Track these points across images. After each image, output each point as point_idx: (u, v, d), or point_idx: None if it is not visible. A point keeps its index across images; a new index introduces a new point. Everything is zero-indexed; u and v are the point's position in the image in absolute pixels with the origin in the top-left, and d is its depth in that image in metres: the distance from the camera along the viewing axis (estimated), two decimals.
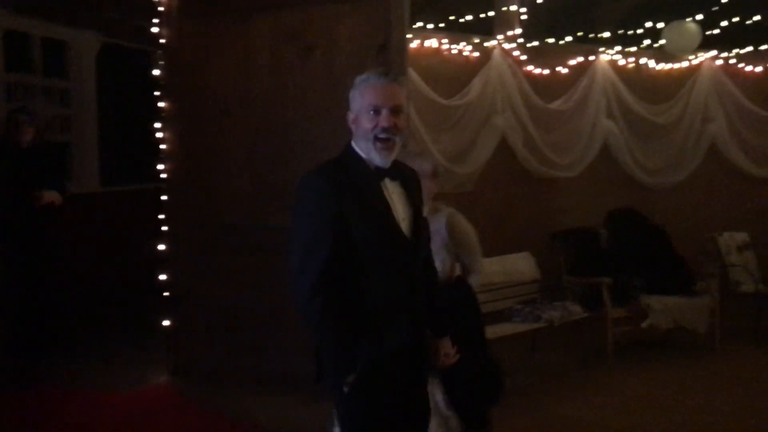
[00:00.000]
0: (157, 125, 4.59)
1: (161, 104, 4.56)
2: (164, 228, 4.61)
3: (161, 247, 4.63)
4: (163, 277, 4.64)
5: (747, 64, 7.04)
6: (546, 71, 6.66)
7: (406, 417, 2.34)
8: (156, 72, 4.60)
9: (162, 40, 4.49)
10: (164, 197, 4.60)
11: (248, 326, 4.44)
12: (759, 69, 7.05)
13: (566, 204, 6.57)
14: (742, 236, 6.59)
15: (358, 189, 2.27)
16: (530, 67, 6.56)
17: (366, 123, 2.28)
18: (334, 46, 4.08)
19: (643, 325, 5.50)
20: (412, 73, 4.98)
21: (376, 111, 2.26)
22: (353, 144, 2.37)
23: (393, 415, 2.29)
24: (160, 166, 4.59)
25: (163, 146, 4.58)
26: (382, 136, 2.26)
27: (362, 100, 2.31)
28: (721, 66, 6.99)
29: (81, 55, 7.47)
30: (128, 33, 7.40)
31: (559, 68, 6.70)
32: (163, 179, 4.60)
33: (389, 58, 3.92)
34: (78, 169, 7.46)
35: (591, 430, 4.05)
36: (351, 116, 2.36)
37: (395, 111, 2.27)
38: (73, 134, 7.51)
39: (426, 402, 2.48)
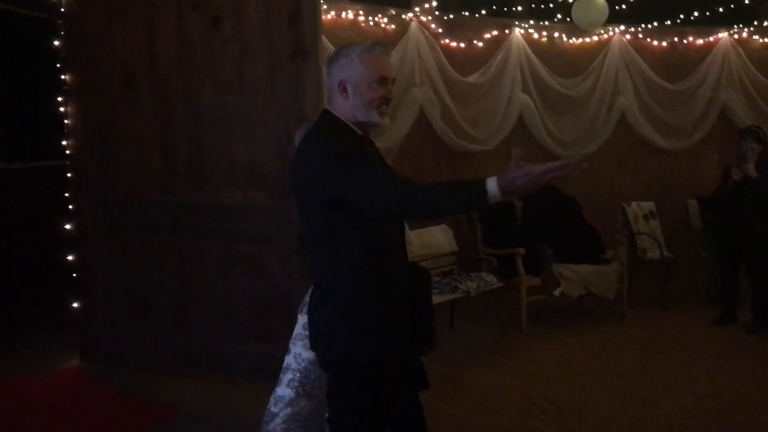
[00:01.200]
0: (60, 99, 4.37)
1: (63, 77, 4.33)
2: (70, 206, 4.41)
3: (68, 226, 4.43)
4: (71, 257, 4.45)
5: (653, 38, 7.28)
6: (462, 44, 6.72)
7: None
8: (56, 42, 4.36)
9: (62, 9, 4.25)
10: (69, 174, 4.40)
11: (166, 306, 4.32)
12: (664, 43, 7.31)
13: (484, 176, 6.64)
14: (648, 205, 6.87)
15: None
16: (447, 40, 6.61)
17: (370, 93, 2.26)
18: (243, 16, 3.96)
19: (555, 293, 5.67)
20: (329, 46, 4.91)
21: (383, 82, 2.27)
22: (334, 112, 2.31)
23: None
24: (64, 142, 4.38)
25: (66, 121, 4.36)
26: (385, 106, 2.29)
27: (365, 70, 2.27)
28: (629, 40, 7.21)
29: None
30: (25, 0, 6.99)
31: (475, 41, 6.77)
32: (68, 155, 4.39)
33: (301, 29, 3.84)
34: None
35: (509, 396, 4.15)
36: (342, 84, 2.28)
37: (393, 82, 2.33)
38: None
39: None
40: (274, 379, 4.14)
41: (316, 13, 3.93)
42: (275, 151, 4.00)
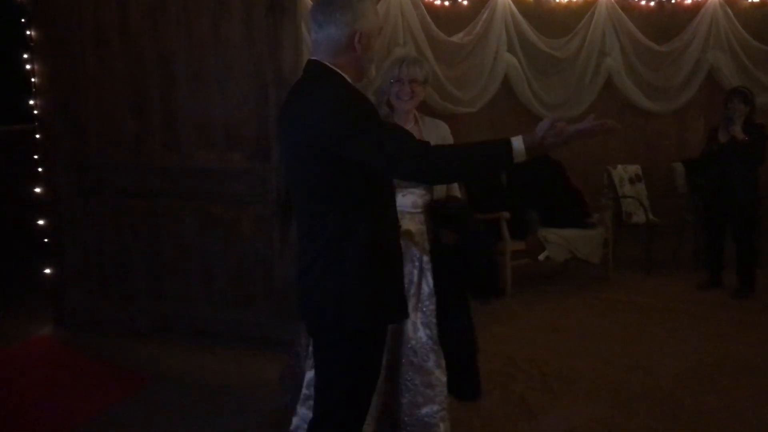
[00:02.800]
0: (26, 56, 4.17)
1: (29, 32, 4.12)
2: (40, 170, 4.24)
3: (37, 190, 4.27)
4: (41, 222, 4.29)
5: None
6: (447, 3, 6.54)
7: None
8: None
9: None
10: (38, 136, 4.22)
11: (141, 272, 4.21)
12: (652, 3, 7.16)
13: (467, 139, 6.48)
14: (634, 168, 6.79)
15: None
16: None
17: (376, 44, 2.11)
18: None
19: (540, 257, 5.61)
20: (306, 4, 4.71)
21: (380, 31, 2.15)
22: (333, 66, 2.07)
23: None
24: (32, 102, 4.19)
25: (33, 80, 4.17)
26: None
27: (376, 19, 2.10)
28: (616, 0, 7.04)
29: None
30: None
31: (459, 0, 6.59)
32: (36, 116, 4.21)
33: None
34: None
35: (494, 361, 4.09)
36: (358, 35, 2.04)
37: None
38: None
39: None
40: (253, 346, 4.08)
41: None
42: (253, 111, 3.85)
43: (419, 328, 2.86)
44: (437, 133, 2.96)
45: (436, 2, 6.47)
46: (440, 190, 2.99)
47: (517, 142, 1.90)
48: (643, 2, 7.14)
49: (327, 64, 2.07)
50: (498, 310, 5.10)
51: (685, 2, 7.19)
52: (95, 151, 4.14)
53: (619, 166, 6.72)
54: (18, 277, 4.96)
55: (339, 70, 2.07)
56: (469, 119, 6.61)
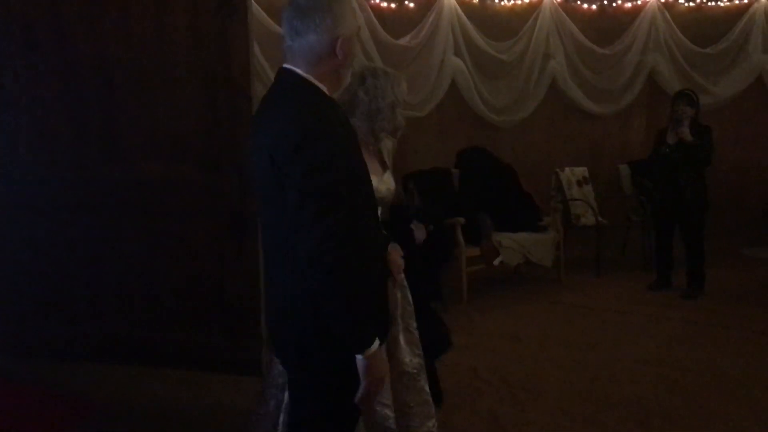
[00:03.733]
0: None
1: None
2: None
3: None
4: None
5: (583, 1, 7.17)
6: (393, 5, 6.42)
7: None
8: None
9: None
10: None
11: (80, 293, 3.89)
12: (594, 6, 7.21)
13: (417, 145, 6.44)
14: (581, 171, 6.83)
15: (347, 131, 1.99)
16: (376, 0, 6.30)
17: (354, 48, 1.93)
18: None
19: (495, 262, 5.55)
20: (254, 5, 4.50)
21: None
22: (310, 77, 1.89)
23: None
24: None
25: None
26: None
27: (355, 21, 1.94)
28: (560, 2, 7.06)
29: None
30: None
31: (406, 2, 6.48)
32: None
33: None
34: None
35: (457, 373, 3.97)
36: (339, 41, 1.87)
37: None
38: None
39: None
40: (204, 368, 3.84)
41: None
42: (202, 118, 3.61)
43: (408, 350, 2.74)
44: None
45: (382, 5, 6.35)
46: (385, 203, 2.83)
47: (375, 346, 1.83)
48: (585, 6, 7.19)
49: (303, 74, 1.89)
50: (455, 318, 4.99)
51: (625, 6, 7.28)
52: (29, 165, 3.82)
53: (567, 169, 6.75)
54: None
55: (316, 82, 1.89)
56: (417, 123, 6.48)
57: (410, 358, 2.76)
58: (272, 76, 3.88)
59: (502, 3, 6.93)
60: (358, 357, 1.81)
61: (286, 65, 1.93)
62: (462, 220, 5.39)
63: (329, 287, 1.78)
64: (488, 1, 6.88)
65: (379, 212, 2.54)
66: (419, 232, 3.06)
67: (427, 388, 2.81)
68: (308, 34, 1.86)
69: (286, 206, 1.83)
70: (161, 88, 3.64)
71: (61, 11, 3.66)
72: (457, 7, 6.63)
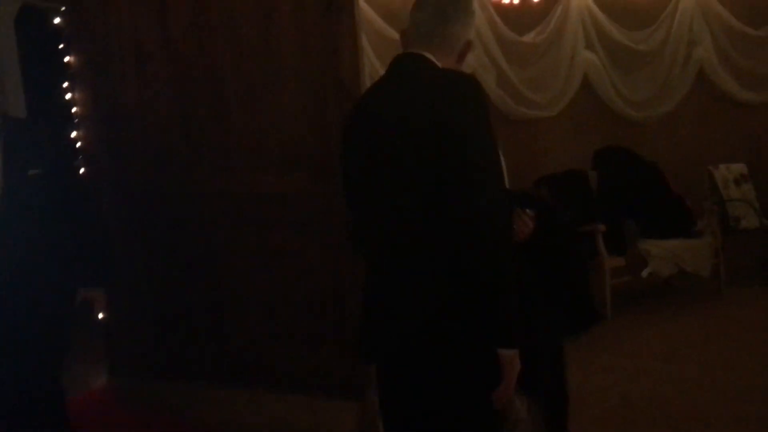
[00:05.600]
0: (65, 85, 3.85)
1: (67, 58, 3.80)
2: None
3: None
4: None
5: None
6: (516, 1, 6.02)
7: None
8: (57, 20, 3.83)
9: None
10: (83, 169, 3.87)
11: (199, 309, 3.78)
12: None
13: (549, 146, 5.98)
14: (739, 167, 6.06)
15: None
16: None
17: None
18: None
19: (644, 273, 4.97)
20: (363, 5, 4.28)
21: None
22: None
23: None
24: (74, 133, 3.86)
25: (75, 109, 3.84)
26: None
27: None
28: None
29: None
30: None
31: None
32: (79, 148, 3.86)
33: None
34: None
35: (606, 400, 3.48)
36: (468, 47, 1.95)
37: None
38: None
39: None
40: (325, 391, 3.60)
41: None
42: (311, 126, 3.39)
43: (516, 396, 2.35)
44: None
45: (504, 1, 5.96)
46: None
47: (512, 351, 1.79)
48: None
49: (436, 62, 1.88)
50: (600, 336, 4.47)
51: None
52: (144, 179, 3.76)
53: (722, 166, 6.01)
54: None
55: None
56: (548, 124, 6.04)
57: (519, 402, 2.35)
58: None
59: None
60: (505, 351, 1.76)
61: (414, 51, 1.91)
62: (603, 227, 4.87)
63: (498, 266, 1.73)
64: None
65: None
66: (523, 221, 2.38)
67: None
68: (456, 25, 1.90)
69: (426, 195, 1.77)
70: (269, 95, 3.46)
71: (171, 24, 3.58)
72: None
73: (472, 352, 1.79)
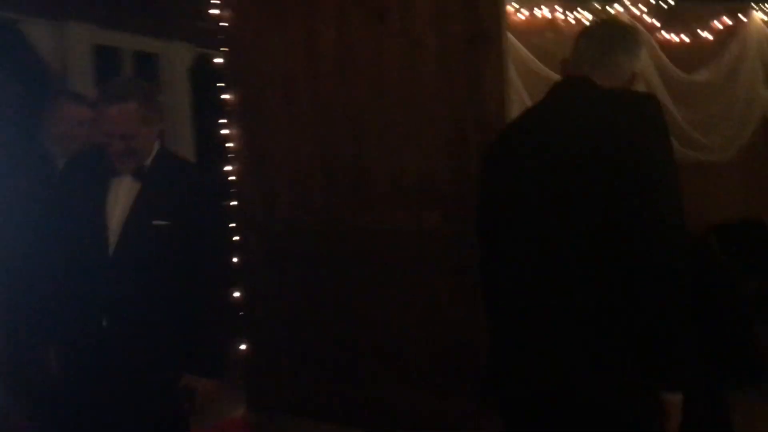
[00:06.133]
0: (222, 121, 4.03)
1: (225, 96, 3.99)
2: (236, 238, 4.01)
3: (235, 259, 4.03)
4: (236, 294, 4.03)
5: None
6: (685, 38, 5.63)
7: None
8: (218, 60, 4.05)
9: (223, 23, 3.92)
10: (234, 203, 4.01)
11: (332, 347, 3.74)
12: None
13: (718, 193, 5.44)
14: None
15: None
16: (665, 34, 5.57)
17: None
18: (411, 5, 3.33)
19: None
20: (514, 41, 4.15)
21: None
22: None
23: None
24: (227, 168, 4.02)
25: (229, 144, 4.01)
26: None
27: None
28: None
29: (173, 67, 7.20)
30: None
31: (701, 33, 5.64)
32: (231, 182, 4.02)
33: (478, 7, 3.11)
34: None
35: None
36: (627, 73, 1.91)
37: None
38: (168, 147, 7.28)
39: None
40: None
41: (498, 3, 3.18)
42: (450, 162, 3.28)
43: None
44: None
45: (672, 38, 5.59)
46: None
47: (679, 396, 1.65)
48: None
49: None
50: None
51: None
52: (286, 215, 3.82)
53: None
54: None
55: None
56: (718, 169, 5.53)
57: None
58: None
59: None
60: (673, 395, 1.64)
61: (579, 75, 1.86)
62: None
63: (677, 309, 1.59)
64: None
65: None
66: None
67: None
68: (623, 54, 1.87)
69: (594, 227, 1.64)
70: (408, 130, 3.40)
71: (316, 64, 3.65)
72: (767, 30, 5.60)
73: (631, 397, 1.64)
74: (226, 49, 3.95)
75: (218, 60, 4.06)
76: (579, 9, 5.30)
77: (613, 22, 2.00)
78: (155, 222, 2.40)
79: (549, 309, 1.70)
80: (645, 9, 5.44)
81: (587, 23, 5.34)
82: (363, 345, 3.64)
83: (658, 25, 5.50)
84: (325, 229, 3.67)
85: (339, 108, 3.59)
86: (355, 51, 3.51)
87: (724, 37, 5.64)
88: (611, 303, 1.63)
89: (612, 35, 1.89)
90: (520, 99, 4.41)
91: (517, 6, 5.01)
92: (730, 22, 5.64)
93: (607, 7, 5.35)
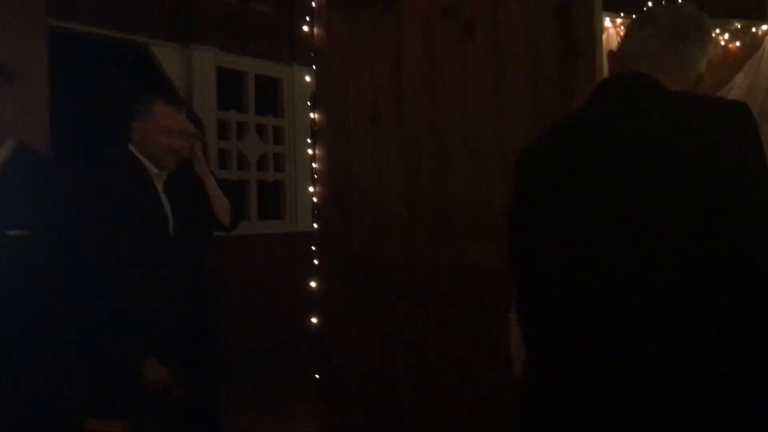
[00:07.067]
0: (308, 141, 3.92)
1: (312, 115, 3.87)
2: (316, 262, 3.86)
3: (313, 284, 3.89)
4: (314, 320, 3.87)
5: None
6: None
7: None
8: (308, 79, 3.95)
9: (313, 41, 3.82)
10: (316, 225, 3.87)
11: (406, 388, 3.47)
12: None
13: None
14: None
15: None
16: None
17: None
18: (500, 19, 3.04)
19: None
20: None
21: None
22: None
23: None
24: (311, 190, 3.89)
25: (314, 165, 3.88)
26: None
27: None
28: None
29: (294, 91, 7.32)
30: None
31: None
32: (314, 204, 3.88)
33: (573, 22, 2.78)
34: (293, 208, 7.30)
35: None
36: (695, 72, 1.58)
37: None
38: (288, 172, 7.38)
39: None
40: None
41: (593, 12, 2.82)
42: None
43: None
44: None
45: None
46: None
47: None
48: None
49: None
50: None
51: None
52: (366, 243, 3.61)
53: None
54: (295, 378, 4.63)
55: None
56: None
57: None
58: None
59: None
60: None
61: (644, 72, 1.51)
62: None
63: None
64: None
65: None
66: None
67: None
68: (693, 46, 1.55)
69: (677, 255, 1.28)
70: (495, 159, 3.09)
71: (402, 80, 3.44)
72: None
73: None
74: (315, 67, 3.83)
75: (308, 78, 3.96)
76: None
77: (682, 6, 1.57)
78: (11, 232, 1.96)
79: (625, 355, 1.35)
80: None
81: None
82: (437, 386, 3.34)
83: None
84: (404, 262, 3.43)
85: (424, 129, 3.34)
86: (441, 68, 3.26)
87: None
88: (703, 347, 1.27)
89: (683, 22, 1.54)
90: None
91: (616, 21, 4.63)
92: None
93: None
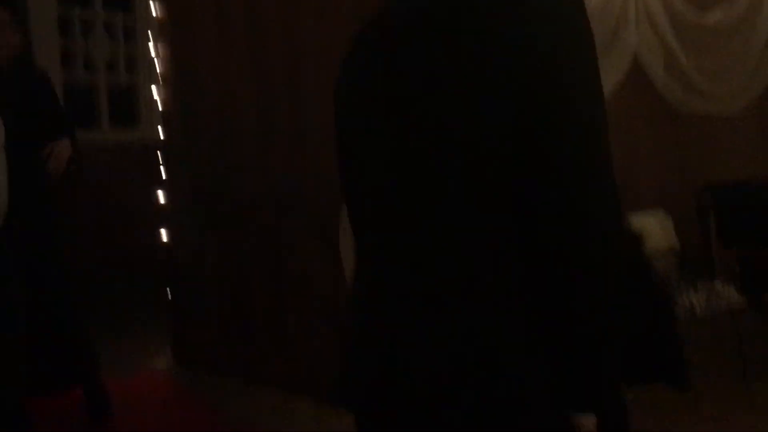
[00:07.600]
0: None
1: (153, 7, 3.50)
2: (164, 174, 3.60)
3: (162, 200, 3.63)
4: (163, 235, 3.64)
5: None
6: None
7: None
8: None
9: None
10: (162, 134, 3.59)
11: (260, 309, 3.37)
12: None
13: (722, 148, 4.99)
14: None
15: None
16: None
17: None
18: None
19: None
20: None
21: None
22: None
23: None
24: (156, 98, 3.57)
25: (158, 67, 3.55)
26: None
27: None
28: None
29: None
30: None
31: None
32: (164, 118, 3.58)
33: None
34: (145, 114, 6.80)
35: None
36: None
37: None
38: (141, 75, 6.81)
39: None
40: None
41: None
42: None
43: None
44: None
45: None
46: None
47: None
48: None
49: None
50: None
51: None
52: (212, 154, 3.38)
53: None
54: (141, 299, 4.40)
55: None
56: (726, 122, 5.03)
57: None
58: None
59: None
60: (584, 416, 1.17)
61: None
62: None
63: (601, 306, 1.12)
64: None
65: None
66: None
67: None
68: None
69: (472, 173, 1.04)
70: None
71: None
72: None
73: (528, 416, 1.16)
74: None
75: None
76: None
77: None
78: None
79: (414, 284, 1.14)
80: None
81: None
82: (291, 304, 3.25)
83: None
84: (257, 169, 3.24)
85: (275, 40, 3.09)
86: None
87: None
88: (507, 290, 1.14)
89: None
90: None
91: None
92: None
93: None
